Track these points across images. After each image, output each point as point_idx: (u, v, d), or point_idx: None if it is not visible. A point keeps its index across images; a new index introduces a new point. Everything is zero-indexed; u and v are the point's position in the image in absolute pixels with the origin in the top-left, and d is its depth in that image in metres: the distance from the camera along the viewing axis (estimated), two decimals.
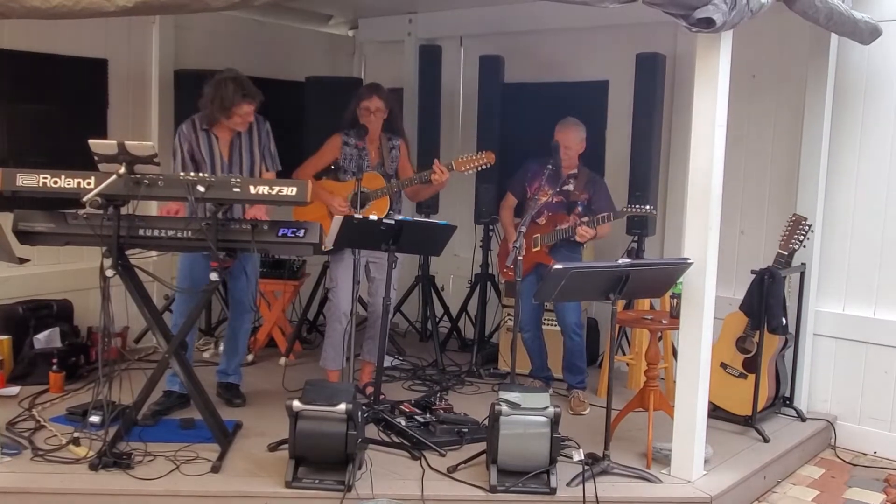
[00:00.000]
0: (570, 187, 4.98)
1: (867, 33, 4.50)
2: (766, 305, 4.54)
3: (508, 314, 5.59)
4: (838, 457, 4.83)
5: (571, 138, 4.88)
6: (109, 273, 3.73)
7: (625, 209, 4.74)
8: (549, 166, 4.77)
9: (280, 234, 3.86)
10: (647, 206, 4.70)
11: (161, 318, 4.26)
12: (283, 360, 5.65)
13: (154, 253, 4.50)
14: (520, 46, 6.10)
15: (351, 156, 4.84)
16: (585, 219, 4.78)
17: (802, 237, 4.63)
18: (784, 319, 4.61)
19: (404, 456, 4.04)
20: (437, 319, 6.26)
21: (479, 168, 4.79)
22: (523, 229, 4.44)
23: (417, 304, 6.51)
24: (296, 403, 3.61)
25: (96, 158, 3.67)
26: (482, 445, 3.93)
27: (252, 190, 3.73)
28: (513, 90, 6.00)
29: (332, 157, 4.87)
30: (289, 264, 5.90)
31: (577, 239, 4.78)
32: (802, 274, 4.90)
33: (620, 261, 3.75)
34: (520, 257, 4.33)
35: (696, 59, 3.73)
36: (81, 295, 5.35)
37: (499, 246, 5.46)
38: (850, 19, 4.26)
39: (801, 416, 4.92)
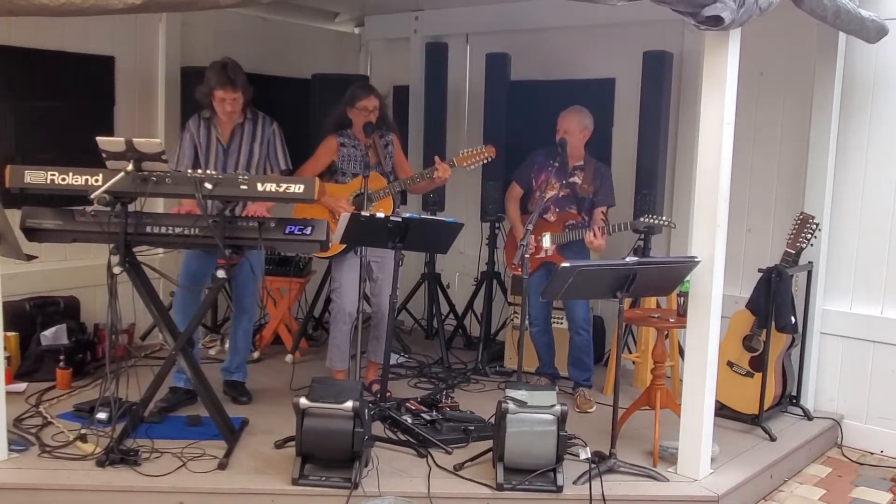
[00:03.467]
0: (577, 180, 4.96)
1: (874, 32, 4.50)
2: (774, 304, 4.53)
3: (514, 312, 5.59)
4: (845, 456, 4.82)
5: (571, 123, 4.86)
6: (117, 270, 3.74)
7: (643, 219, 4.72)
8: (555, 163, 4.76)
9: (287, 231, 3.86)
10: (665, 218, 4.69)
11: (168, 314, 4.26)
12: (289, 358, 5.66)
13: (161, 250, 4.52)
14: (526, 44, 6.09)
15: (349, 157, 4.84)
16: (601, 224, 4.77)
17: (810, 235, 4.62)
18: (792, 318, 4.60)
19: (411, 453, 4.05)
20: (443, 317, 6.25)
21: (481, 162, 4.79)
22: (530, 227, 4.44)
23: (423, 301, 6.52)
24: (303, 401, 3.62)
25: (104, 155, 3.68)
26: (488, 443, 3.93)
27: (259, 187, 3.73)
28: (519, 88, 5.99)
29: (329, 159, 4.85)
30: (295, 262, 5.91)
31: (587, 244, 4.76)
32: (810, 272, 4.89)
33: (627, 259, 3.75)
34: (527, 255, 4.32)
35: (704, 57, 3.72)
36: (88, 292, 5.38)
37: (505, 240, 5.46)
38: (857, 17, 4.25)
39: (807, 415, 4.91)
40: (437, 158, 4.78)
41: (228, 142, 4.54)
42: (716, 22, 3.38)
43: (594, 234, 4.72)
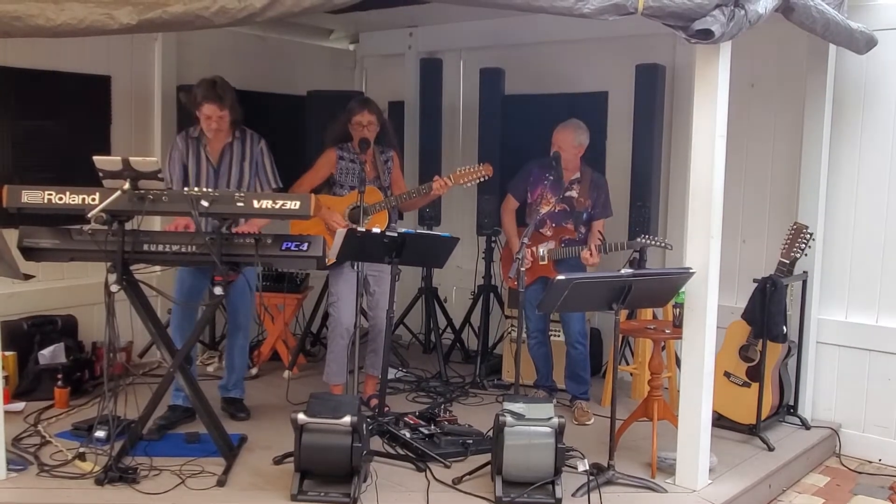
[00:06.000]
0: (574, 193, 4.97)
1: (863, 43, 4.53)
2: (768, 314, 4.54)
3: (512, 325, 5.60)
4: (843, 465, 4.83)
5: (565, 140, 4.85)
6: (114, 288, 3.75)
7: (640, 239, 4.72)
8: (550, 176, 4.78)
9: (283, 247, 3.88)
10: (661, 239, 4.70)
11: (165, 332, 4.27)
12: (287, 374, 5.66)
13: (158, 267, 4.53)
14: (520, 58, 6.13)
15: (348, 170, 4.86)
16: (598, 243, 4.79)
17: (804, 245, 4.63)
18: (784, 328, 4.61)
19: (409, 468, 4.05)
20: (441, 331, 6.26)
21: (478, 181, 4.82)
22: (526, 240, 4.45)
23: (420, 315, 6.53)
24: (301, 416, 3.62)
25: (101, 174, 3.70)
26: (487, 457, 3.93)
27: (256, 204, 3.75)
28: (513, 102, 6.03)
29: (328, 172, 4.88)
30: (292, 277, 5.92)
31: (582, 260, 4.76)
32: (804, 282, 4.91)
33: (623, 271, 3.76)
34: (523, 269, 4.33)
35: (696, 69, 3.76)
36: (86, 310, 5.38)
37: (501, 252, 5.47)
38: (846, 29, 4.29)
39: (805, 425, 4.92)
40: (436, 177, 4.81)
41: (218, 162, 4.54)
42: (706, 35, 3.41)
43: (590, 252, 4.74)
